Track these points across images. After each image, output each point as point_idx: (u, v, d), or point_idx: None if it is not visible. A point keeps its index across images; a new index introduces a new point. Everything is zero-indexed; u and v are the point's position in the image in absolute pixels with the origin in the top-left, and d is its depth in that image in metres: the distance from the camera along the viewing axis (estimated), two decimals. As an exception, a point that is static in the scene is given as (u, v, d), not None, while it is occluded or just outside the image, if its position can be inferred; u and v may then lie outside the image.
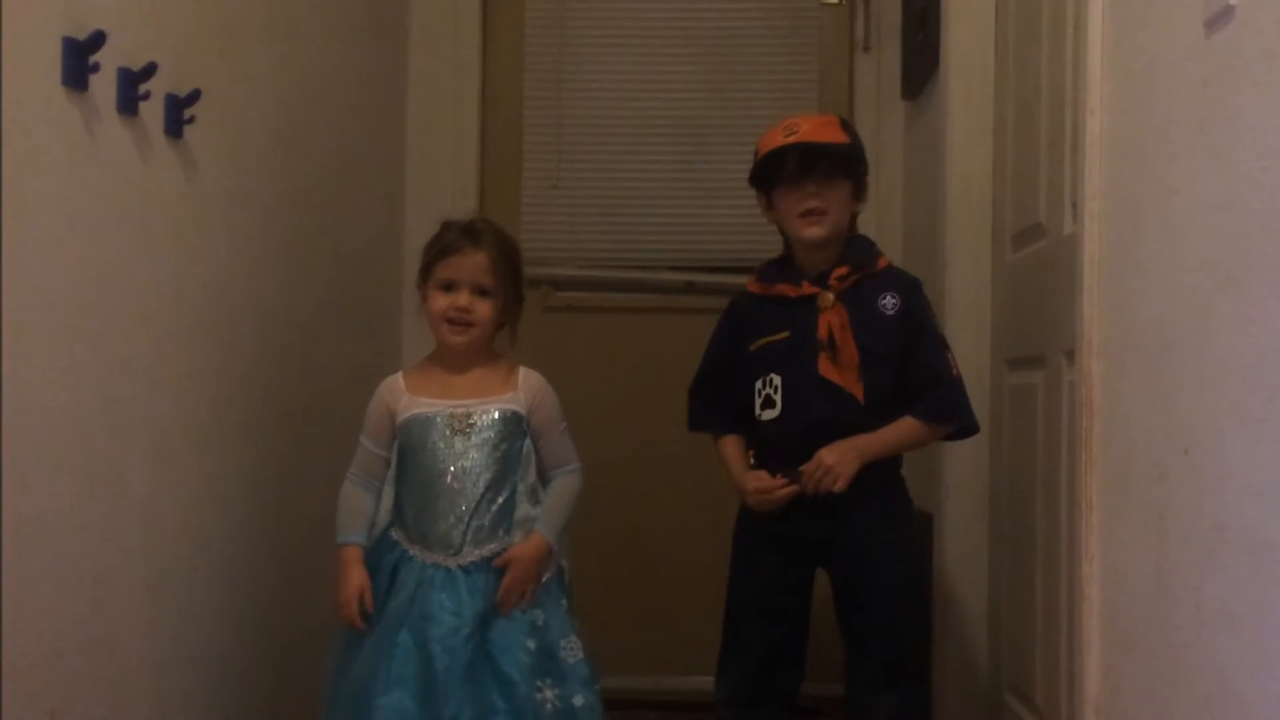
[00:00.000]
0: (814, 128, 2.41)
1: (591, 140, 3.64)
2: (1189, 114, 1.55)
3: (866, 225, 3.35)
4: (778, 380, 2.39)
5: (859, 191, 2.44)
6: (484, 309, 2.25)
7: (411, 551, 2.23)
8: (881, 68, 3.57)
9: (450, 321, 2.25)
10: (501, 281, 2.27)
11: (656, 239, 3.64)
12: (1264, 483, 1.32)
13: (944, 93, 2.94)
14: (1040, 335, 2.43)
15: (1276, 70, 1.30)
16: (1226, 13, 1.42)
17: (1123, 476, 1.78)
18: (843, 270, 2.39)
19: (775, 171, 2.41)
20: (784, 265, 2.47)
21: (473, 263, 2.25)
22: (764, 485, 2.37)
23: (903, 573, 2.42)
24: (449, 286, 2.25)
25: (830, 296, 2.37)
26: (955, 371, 2.40)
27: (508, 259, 2.30)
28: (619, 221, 3.64)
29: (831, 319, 2.35)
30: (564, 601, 2.29)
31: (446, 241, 2.27)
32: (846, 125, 2.48)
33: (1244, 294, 1.37)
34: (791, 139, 2.37)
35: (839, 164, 2.39)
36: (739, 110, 3.57)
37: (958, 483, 2.87)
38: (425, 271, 2.29)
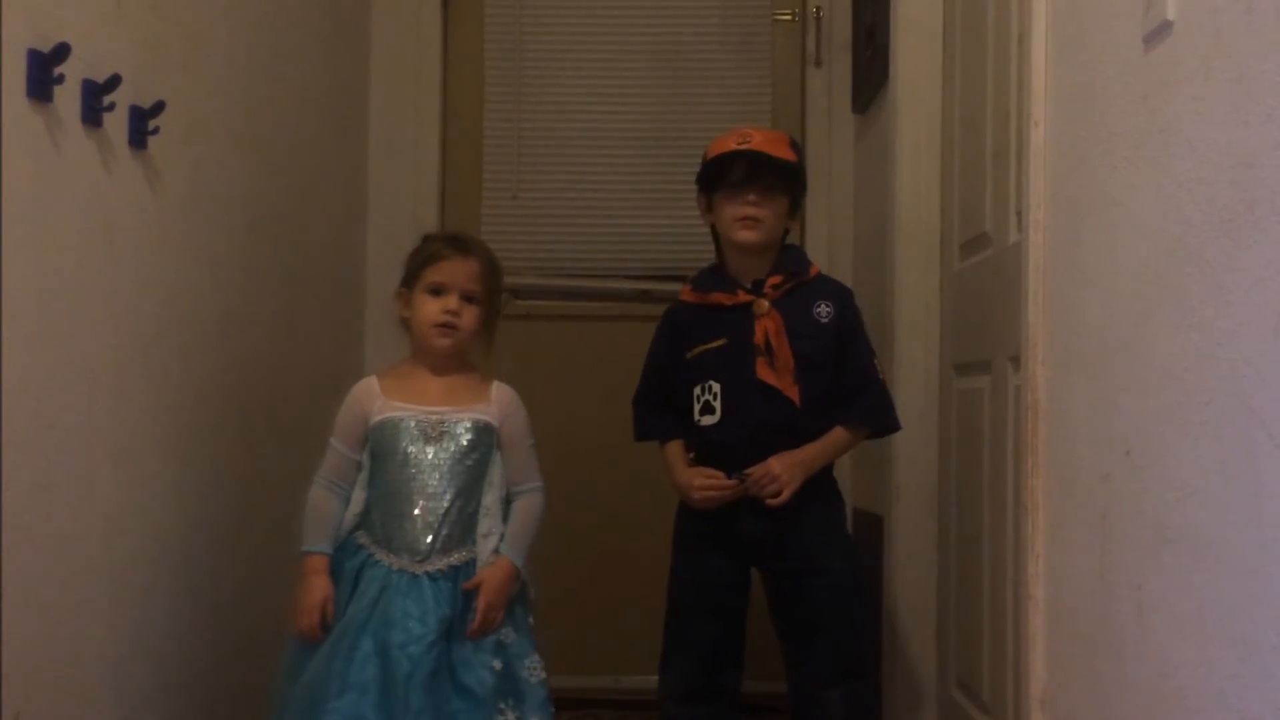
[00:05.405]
0: (765, 140, 2.47)
1: (550, 152, 3.68)
2: (1129, 126, 1.59)
3: (818, 235, 3.43)
4: (717, 387, 2.45)
5: (794, 209, 2.52)
6: (471, 315, 2.28)
7: (377, 555, 2.21)
8: (832, 82, 3.61)
9: (439, 325, 2.26)
10: (488, 290, 2.31)
11: (613, 248, 3.67)
12: (1202, 483, 1.36)
13: (893, 106, 2.98)
14: (986, 341, 2.47)
15: (1213, 84, 1.34)
16: (1164, 28, 1.46)
17: (1067, 478, 1.82)
18: (777, 279, 2.46)
19: (721, 176, 2.47)
20: (717, 273, 2.54)
21: (464, 269, 2.28)
22: (711, 484, 2.42)
23: (848, 569, 2.48)
24: (438, 291, 2.26)
25: (765, 304, 2.44)
26: (881, 376, 2.51)
27: (495, 270, 2.34)
28: (576, 231, 3.67)
29: (768, 325, 2.42)
30: (529, 620, 2.30)
31: (434, 249, 2.30)
32: (795, 145, 2.55)
33: (1182, 301, 1.41)
34: (743, 146, 2.44)
35: (782, 179, 2.46)
36: (693, 122, 3.60)
37: (907, 485, 2.91)
38: (411, 278, 2.30)
